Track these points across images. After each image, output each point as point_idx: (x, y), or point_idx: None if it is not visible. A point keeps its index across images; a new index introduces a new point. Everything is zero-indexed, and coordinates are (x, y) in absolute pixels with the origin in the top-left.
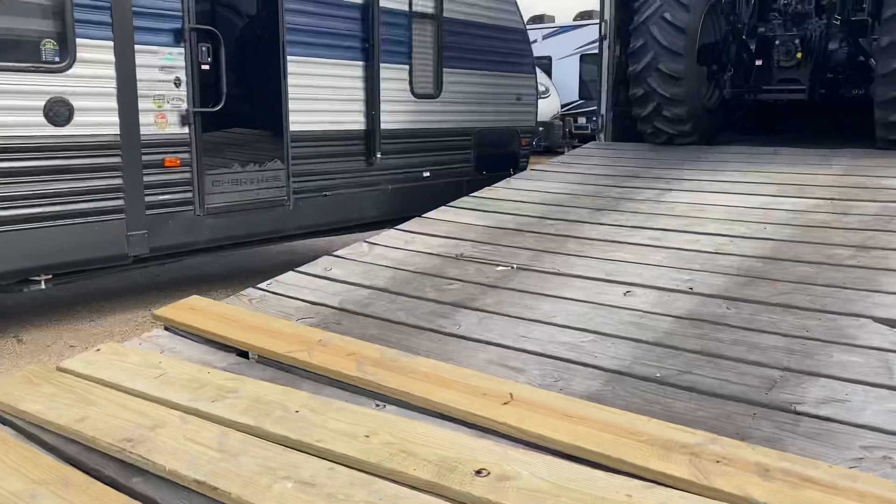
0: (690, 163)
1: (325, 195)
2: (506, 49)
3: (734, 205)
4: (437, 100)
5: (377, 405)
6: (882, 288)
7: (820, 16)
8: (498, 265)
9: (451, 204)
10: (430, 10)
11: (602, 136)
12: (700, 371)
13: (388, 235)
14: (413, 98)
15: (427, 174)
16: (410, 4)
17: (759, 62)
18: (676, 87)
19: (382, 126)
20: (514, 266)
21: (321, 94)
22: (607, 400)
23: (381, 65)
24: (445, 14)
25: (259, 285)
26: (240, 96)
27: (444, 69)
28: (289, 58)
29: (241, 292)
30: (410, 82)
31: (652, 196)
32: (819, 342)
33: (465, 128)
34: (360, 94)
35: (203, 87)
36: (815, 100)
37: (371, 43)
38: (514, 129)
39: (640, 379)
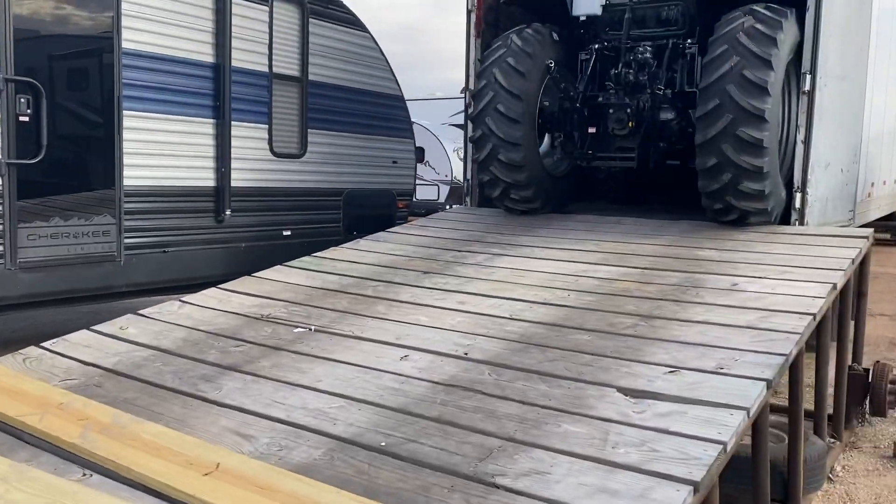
0: (535, 230)
1: (166, 251)
2: (381, 114)
3: (553, 271)
4: (301, 159)
5: (84, 474)
6: (642, 357)
7: (652, 87)
8: (297, 327)
9: (287, 263)
10: (295, 73)
11: (468, 200)
12: (426, 440)
13: (205, 294)
14: (272, 157)
15: (288, 233)
16: (270, 66)
17: (592, 130)
18: (519, 174)
19: (235, 184)
20: (313, 328)
21: (163, 149)
22: (318, 470)
23: (235, 123)
24: (312, 77)
25: (44, 343)
26: (66, 149)
27: (310, 130)
28: (125, 112)
29: (20, 351)
30: (270, 141)
31: (482, 260)
32: (554, 411)
33: (332, 188)
34: (210, 151)
35: (21, 138)
36: (650, 168)
37: (222, 101)
38: (389, 191)
39: (363, 448)
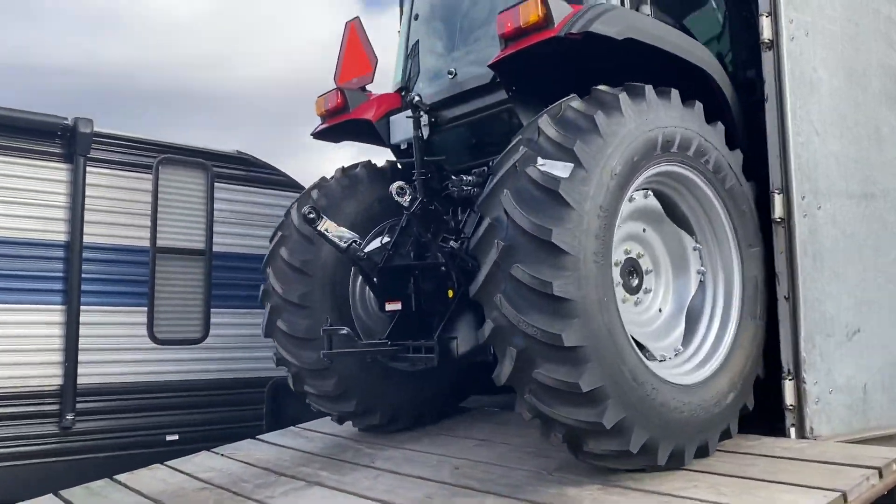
0: (413, 441)
1: None
2: None
3: None
4: (201, 345)
5: None
6: None
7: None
8: None
9: (63, 491)
10: (195, 245)
11: None
12: None
13: None
14: (153, 344)
15: (174, 437)
16: (154, 240)
17: (393, 307)
18: (325, 381)
19: (84, 381)
20: None
21: None
22: None
23: (90, 308)
24: (219, 249)
25: None
26: None
27: (215, 309)
28: None
29: None
30: (150, 326)
31: (263, 498)
32: None
33: (249, 377)
34: (50, 343)
35: None
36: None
37: (69, 284)
38: None
39: None
